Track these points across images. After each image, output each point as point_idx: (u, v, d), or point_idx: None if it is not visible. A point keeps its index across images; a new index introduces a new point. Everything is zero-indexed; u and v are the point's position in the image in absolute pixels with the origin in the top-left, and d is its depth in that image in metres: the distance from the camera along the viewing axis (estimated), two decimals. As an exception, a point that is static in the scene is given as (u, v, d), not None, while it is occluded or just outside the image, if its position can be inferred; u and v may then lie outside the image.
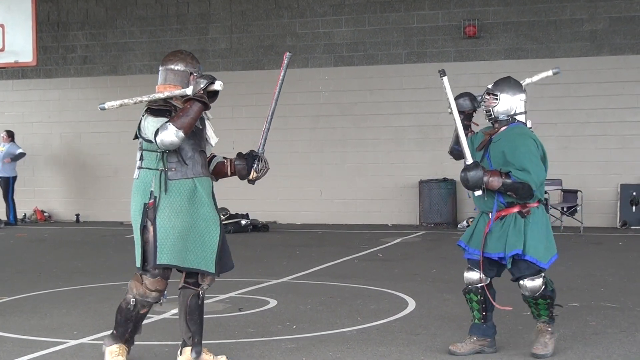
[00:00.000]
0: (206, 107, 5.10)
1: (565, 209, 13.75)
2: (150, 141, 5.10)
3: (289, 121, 15.80)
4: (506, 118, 5.47)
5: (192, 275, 5.23)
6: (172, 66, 5.33)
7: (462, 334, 5.87)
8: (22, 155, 16.37)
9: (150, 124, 5.08)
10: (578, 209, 13.76)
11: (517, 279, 5.31)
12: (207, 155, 5.41)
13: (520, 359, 5.43)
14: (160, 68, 5.39)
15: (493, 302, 5.39)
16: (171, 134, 4.93)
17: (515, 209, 5.27)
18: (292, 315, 6.93)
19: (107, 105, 5.23)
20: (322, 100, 15.79)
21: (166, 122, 4.98)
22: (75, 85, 17.14)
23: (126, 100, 5.21)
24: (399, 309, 7.11)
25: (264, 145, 5.56)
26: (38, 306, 7.51)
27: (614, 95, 14.41)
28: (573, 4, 14.59)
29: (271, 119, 5.56)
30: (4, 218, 16.40)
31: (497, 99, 5.44)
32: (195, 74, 5.26)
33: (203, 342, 5.32)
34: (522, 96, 5.58)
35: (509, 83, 5.56)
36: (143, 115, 5.20)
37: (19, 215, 16.68)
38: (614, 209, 14.46)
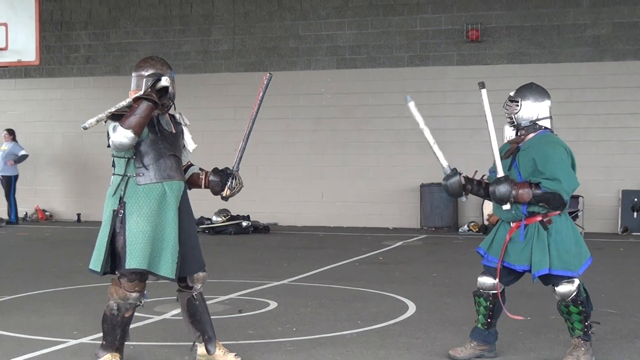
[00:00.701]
0: (155, 105, 5.04)
1: (566, 214, 13.73)
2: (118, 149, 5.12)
3: (290, 123, 15.84)
4: (528, 124, 5.38)
5: (182, 279, 5.26)
6: (142, 72, 5.29)
7: (462, 338, 5.87)
8: (24, 157, 16.38)
9: (110, 129, 5.10)
10: (579, 214, 13.75)
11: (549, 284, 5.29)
12: (184, 163, 5.45)
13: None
14: (132, 74, 5.35)
15: (505, 309, 5.33)
16: (120, 135, 4.95)
17: (538, 218, 5.18)
18: (292, 318, 6.93)
19: (87, 124, 5.18)
20: (324, 102, 15.79)
21: (115, 124, 5.00)
22: (78, 85, 17.15)
23: (100, 115, 5.16)
24: (399, 313, 7.10)
25: (239, 163, 5.50)
26: (38, 305, 7.51)
27: (616, 101, 14.42)
28: (576, 10, 14.60)
29: (248, 137, 5.47)
30: (5, 217, 16.41)
31: (518, 105, 5.38)
32: (164, 79, 5.19)
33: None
34: (547, 102, 5.45)
35: (531, 89, 5.46)
36: (105, 122, 5.19)
37: (20, 214, 16.70)
38: (615, 215, 14.47)
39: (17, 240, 13.50)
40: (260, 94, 5.42)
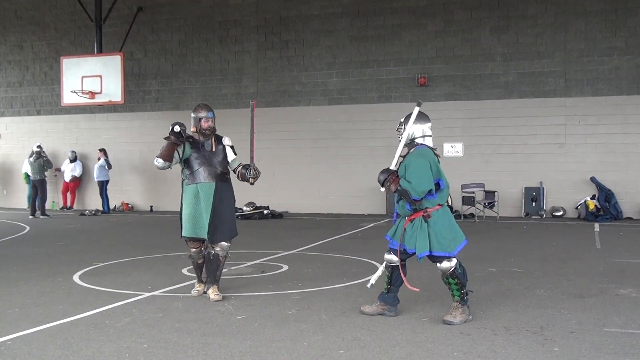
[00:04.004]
0: (172, 141, 5.65)
1: (486, 204, 13.78)
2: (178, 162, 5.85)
3: (296, 142, 15.86)
4: (409, 142, 5.06)
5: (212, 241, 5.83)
6: (193, 114, 5.90)
7: (412, 292, 5.85)
8: (105, 167, 16.48)
9: None
10: (495, 204, 13.78)
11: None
12: (233, 167, 5.98)
13: (429, 324, 5.41)
14: (191, 115, 5.93)
15: (405, 280, 4.99)
16: (155, 161, 5.71)
17: (420, 214, 4.87)
18: (299, 276, 6.94)
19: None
20: (320, 128, 15.81)
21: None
22: (150, 117, 17.14)
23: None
24: (372, 272, 7.09)
25: (251, 159, 5.94)
26: (123, 269, 7.53)
27: (520, 126, 14.45)
28: (492, 63, 14.63)
29: (252, 142, 5.98)
30: (100, 208, 16.41)
31: (401, 128, 5.09)
32: (202, 118, 5.84)
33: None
34: (424, 125, 5.07)
35: (418, 116, 5.09)
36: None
37: (111, 207, 16.70)
38: (520, 204, 14.49)
39: (109, 225, 13.51)
40: (253, 116, 5.95)
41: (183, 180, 5.88)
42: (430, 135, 5.13)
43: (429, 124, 5.15)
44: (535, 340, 4.39)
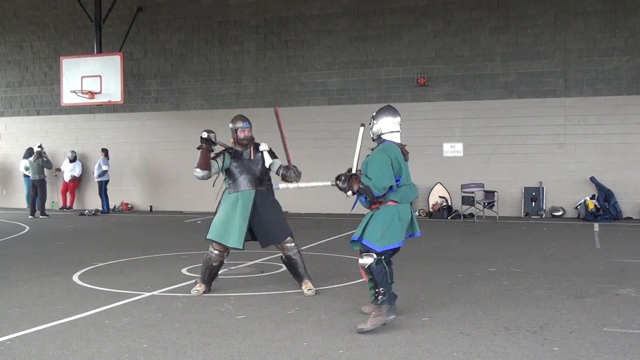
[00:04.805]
0: (203, 149, 5.85)
1: (486, 204, 13.78)
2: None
3: (296, 142, 15.75)
4: (376, 137, 4.96)
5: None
6: (230, 125, 6.15)
7: (413, 289, 5.86)
8: (104, 172, 16.37)
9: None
10: (495, 204, 13.78)
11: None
12: (274, 169, 6.04)
13: (429, 324, 5.41)
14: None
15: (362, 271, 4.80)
16: (194, 172, 5.82)
17: (374, 207, 4.79)
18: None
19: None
20: (319, 128, 15.80)
21: None
22: (150, 117, 17.13)
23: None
24: (372, 272, 7.12)
25: (288, 160, 6.04)
26: (122, 269, 7.53)
27: (520, 126, 14.44)
28: (492, 63, 14.63)
29: (285, 145, 6.07)
30: (100, 208, 16.40)
31: (371, 123, 4.99)
32: (239, 128, 6.08)
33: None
34: (391, 119, 4.91)
35: (382, 110, 4.98)
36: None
37: (111, 207, 16.69)
38: (519, 204, 14.49)
39: (108, 225, 13.50)
40: (279, 122, 6.03)
41: (226, 189, 6.02)
42: (398, 131, 4.95)
43: (398, 119, 4.97)
44: (534, 340, 4.39)
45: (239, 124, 6.06)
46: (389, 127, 4.93)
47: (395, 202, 4.77)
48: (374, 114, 5.00)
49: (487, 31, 14.63)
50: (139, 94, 17.21)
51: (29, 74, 18.27)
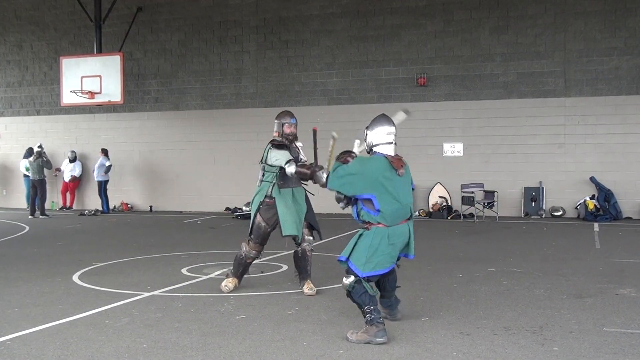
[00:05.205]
0: (308, 177, 5.79)
1: (486, 204, 13.78)
2: (272, 165, 5.88)
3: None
4: (369, 150, 4.64)
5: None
6: (276, 120, 6.15)
7: (413, 288, 5.86)
8: (109, 167, 16.45)
9: (274, 154, 5.88)
10: (495, 204, 13.78)
11: None
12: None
13: (429, 324, 5.40)
14: (275, 121, 6.18)
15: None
16: (292, 169, 5.81)
17: (366, 226, 4.51)
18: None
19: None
20: (319, 128, 15.72)
21: (292, 163, 5.83)
22: (150, 117, 17.14)
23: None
24: (372, 272, 7.12)
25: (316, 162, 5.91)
26: (122, 269, 7.53)
27: (520, 126, 14.45)
28: (492, 63, 14.63)
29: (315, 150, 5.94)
30: (100, 208, 16.40)
31: (364, 134, 4.70)
32: (285, 123, 6.14)
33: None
34: (383, 129, 4.56)
35: (374, 120, 4.65)
36: (268, 147, 5.98)
37: (111, 207, 16.68)
38: (519, 204, 14.49)
39: (108, 225, 13.50)
40: (315, 140, 5.88)
41: (271, 183, 5.92)
42: (391, 142, 4.56)
43: (391, 129, 4.60)
44: (534, 340, 4.39)
45: (287, 119, 6.12)
46: (380, 138, 4.57)
47: (384, 224, 4.42)
48: (368, 124, 4.69)
49: (487, 31, 14.64)
50: (138, 94, 17.21)
51: (28, 74, 18.27)
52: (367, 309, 4.36)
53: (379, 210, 4.41)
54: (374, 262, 4.37)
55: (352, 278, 4.40)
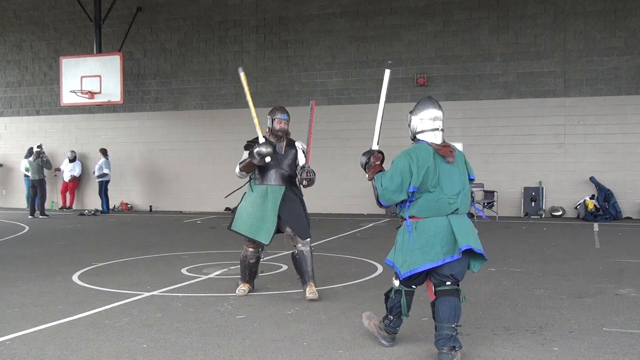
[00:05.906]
0: (255, 162, 5.68)
1: (485, 204, 13.79)
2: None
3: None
4: (412, 138, 4.17)
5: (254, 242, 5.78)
6: (268, 115, 6.00)
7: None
8: (104, 175, 16.32)
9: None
10: (494, 203, 13.79)
11: None
12: (304, 166, 5.86)
13: (429, 324, 5.41)
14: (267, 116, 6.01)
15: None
16: (237, 170, 5.79)
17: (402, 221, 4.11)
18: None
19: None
20: (319, 128, 15.76)
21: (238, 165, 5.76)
22: (150, 117, 17.14)
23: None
24: (371, 272, 7.13)
25: (306, 160, 5.94)
26: (122, 269, 7.53)
27: (520, 126, 14.46)
28: (491, 63, 14.64)
29: (309, 140, 5.97)
30: (100, 208, 16.40)
31: (407, 119, 4.23)
32: (276, 119, 5.96)
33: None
34: (424, 114, 4.09)
35: (418, 103, 4.17)
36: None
37: (110, 207, 16.68)
38: (519, 204, 14.50)
39: (108, 225, 13.50)
40: (312, 116, 5.87)
41: (251, 179, 5.80)
42: (436, 129, 4.07)
43: (438, 113, 4.11)
44: (534, 340, 4.39)
45: (277, 115, 5.91)
46: (424, 124, 4.06)
47: (415, 217, 3.98)
48: (412, 108, 4.18)
49: (487, 31, 14.64)
50: (138, 93, 17.21)
51: (28, 73, 18.27)
52: (390, 317, 4.23)
53: (411, 201, 3.95)
54: (408, 262, 3.97)
55: (397, 282, 4.12)
